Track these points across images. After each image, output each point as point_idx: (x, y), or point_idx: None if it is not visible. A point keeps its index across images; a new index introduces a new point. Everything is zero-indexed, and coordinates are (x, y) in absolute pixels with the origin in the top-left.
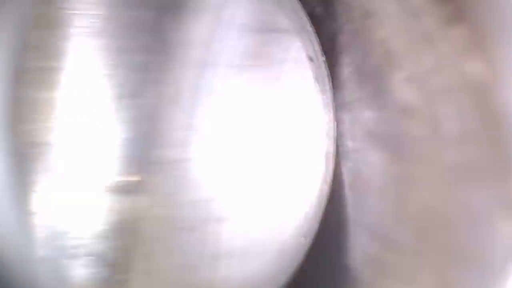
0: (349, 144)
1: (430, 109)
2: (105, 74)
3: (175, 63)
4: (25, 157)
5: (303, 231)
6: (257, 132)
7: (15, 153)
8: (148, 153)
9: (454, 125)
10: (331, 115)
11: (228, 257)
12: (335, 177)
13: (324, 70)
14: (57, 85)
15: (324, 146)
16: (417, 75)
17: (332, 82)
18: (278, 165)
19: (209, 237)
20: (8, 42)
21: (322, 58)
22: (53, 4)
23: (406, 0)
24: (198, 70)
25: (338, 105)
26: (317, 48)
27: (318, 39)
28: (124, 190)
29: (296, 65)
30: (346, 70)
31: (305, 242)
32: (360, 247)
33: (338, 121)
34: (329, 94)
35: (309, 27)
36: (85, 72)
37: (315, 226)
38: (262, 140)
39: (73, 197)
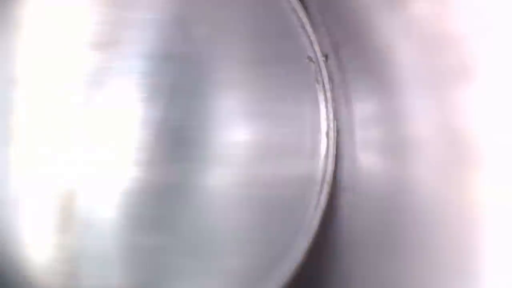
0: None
1: None
2: None
3: None
4: None
5: (303, 231)
6: (256, 131)
7: None
8: None
9: None
10: (331, 115)
11: None
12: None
13: (324, 70)
14: None
15: (324, 145)
16: None
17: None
18: (278, 165)
19: None
20: None
21: (322, 58)
22: None
23: None
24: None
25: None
26: (317, 48)
27: (318, 39)
28: None
29: (296, 65)
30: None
31: (305, 242)
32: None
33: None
34: (329, 94)
35: (309, 27)
36: None
37: (315, 226)
38: (261, 139)
39: None
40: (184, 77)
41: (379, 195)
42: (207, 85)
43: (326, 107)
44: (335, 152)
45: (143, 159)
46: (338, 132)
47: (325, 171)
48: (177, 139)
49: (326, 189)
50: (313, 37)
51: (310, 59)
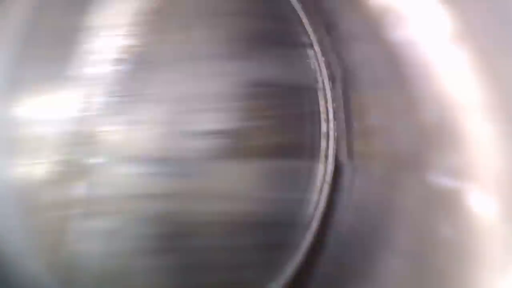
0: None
1: None
2: None
3: None
4: None
5: (303, 231)
6: (256, 129)
7: None
8: None
9: None
10: (331, 115)
11: None
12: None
13: (324, 70)
14: None
15: (324, 146)
16: None
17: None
18: (277, 165)
19: None
20: None
21: (322, 58)
22: None
23: None
24: None
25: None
26: (318, 48)
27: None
28: None
29: (296, 65)
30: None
31: (304, 242)
32: None
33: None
34: (329, 94)
35: (309, 27)
36: None
37: (315, 225)
38: (261, 138)
39: None
40: None
41: (379, 195)
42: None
43: (326, 107)
44: (335, 152)
45: None
46: (338, 131)
47: (325, 171)
48: None
49: (326, 189)
50: (313, 37)
51: (310, 58)
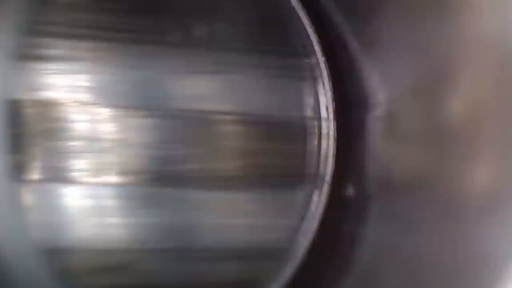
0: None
1: None
2: None
3: None
4: None
5: (303, 231)
6: (256, 128)
7: None
8: None
9: None
10: (331, 115)
11: None
12: None
13: (323, 70)
14: None
15: (324, 145)
16: None
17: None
18: (276, 164)
19: None
20: None
21: (322, 58)
22: None
23: None
24: None
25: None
26: (318, 48)
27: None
28: None
29: (295, 65)
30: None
31: (304, 241)
32: None
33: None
34: (328, 94)
35: (309, 29)
36: None
37: (315, 226)
38: (260, 138)
39: None
40: None
41: (379, 195)
42: None
43: (327, 107)
44: (335, 152)
45: None
46: (338, 131)
47: (325, 171)
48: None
49: (326, 189)
50: (313, 36)
51: (310, 59)
